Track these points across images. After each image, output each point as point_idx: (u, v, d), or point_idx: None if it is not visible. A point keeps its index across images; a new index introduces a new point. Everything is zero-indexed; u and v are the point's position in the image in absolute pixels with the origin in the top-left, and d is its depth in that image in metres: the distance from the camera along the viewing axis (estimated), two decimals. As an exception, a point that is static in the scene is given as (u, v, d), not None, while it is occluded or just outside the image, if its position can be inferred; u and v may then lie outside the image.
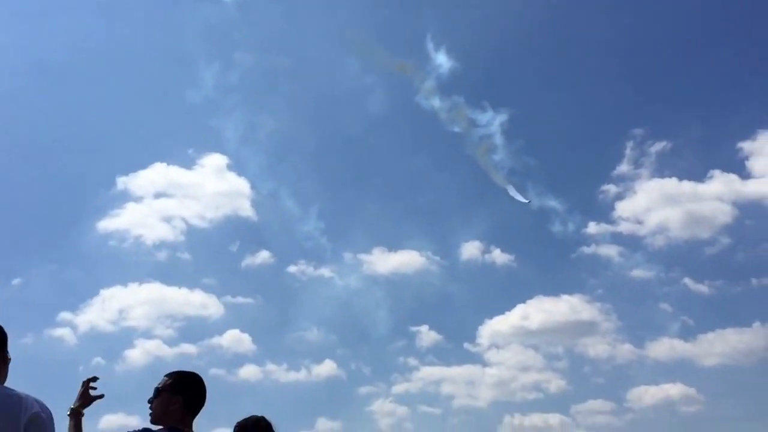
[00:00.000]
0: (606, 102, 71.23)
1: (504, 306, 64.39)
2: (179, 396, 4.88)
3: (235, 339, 58.49)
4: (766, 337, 56.01)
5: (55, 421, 4.57)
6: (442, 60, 49.40)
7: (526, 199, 50.69)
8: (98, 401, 5.25)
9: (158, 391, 4.93)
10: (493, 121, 51.22)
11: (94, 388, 5.32)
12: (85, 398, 5.27)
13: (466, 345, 58.41)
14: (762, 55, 66.47)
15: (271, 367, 58.11)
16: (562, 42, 67.76)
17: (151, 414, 4.91)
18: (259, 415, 5.49)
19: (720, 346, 56.67)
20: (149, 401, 4.92)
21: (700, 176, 60.37)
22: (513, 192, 49.51)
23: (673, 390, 56.09)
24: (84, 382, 5.33)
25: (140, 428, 4.61)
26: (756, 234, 60.28)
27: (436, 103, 49.87)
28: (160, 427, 4.78)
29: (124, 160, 67.71)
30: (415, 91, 52.53)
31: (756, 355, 56.14)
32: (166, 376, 5.02)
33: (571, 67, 70.52)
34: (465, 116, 51.05)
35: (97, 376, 5.30)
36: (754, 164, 57.36)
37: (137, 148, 69.08)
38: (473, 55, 66.09)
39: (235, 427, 5.38)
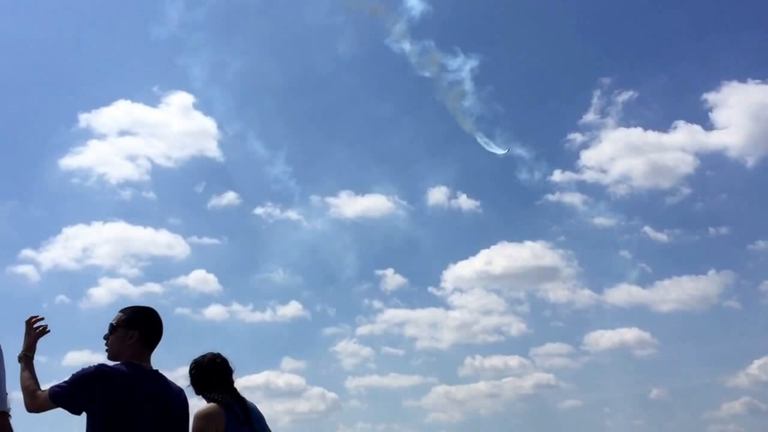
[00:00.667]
0: (575, 50, 71.05)
1: (468, 251, 65.16)
2: (135, 330, 4.84)
3: (201, 279, 58.46)
4: (720, 285, 57.54)
5: (11, 355, 4.60)
6: (414, 3, 48.71)
7: (503, 149, 50.78)
8: (50, 337, 5.12)
9: (113, 327, 4.89)
10: (463, 67, 50.88)
11: (40, 327, 5.12)
12: (31, 338, 5.08)
13: (430, 289, 59.11)
14: (728, 8, 66.73)
15: (236, 307, 58.31)
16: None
17: (107, 350, 4.88)
18: (216, 352, 5.50)
19: (676, 292, 58.12)
20: (105, 338, 4.90)
21: (664, 126, 60.96)
22: (488, 144, 49.50)
23: (629, 334, 57.59)
24: (27, 322, 5.13)
25: (96, 364, 4.59)
26: (716, 185, 61.38)
27: (406, 46, 49.26)
28: (117, 362, 4.76)
29: (86, 97, 66.26)
30: (385, 33, 51.76)
31: (709, 302, 57.73)
32: (120, 311, 4.98)
33: (543, 14, 70.01)
34: (435, 61, 50.63)
35: (41, 316, 5.08)
36: (718, 116, 57.99)
37: (100, 85, 67.47)
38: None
39: (192, 364, 5.38)
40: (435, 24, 57.47)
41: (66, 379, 4.57)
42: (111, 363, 4.73)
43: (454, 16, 66.04)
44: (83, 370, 4.52)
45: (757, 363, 55.10)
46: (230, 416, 5.06)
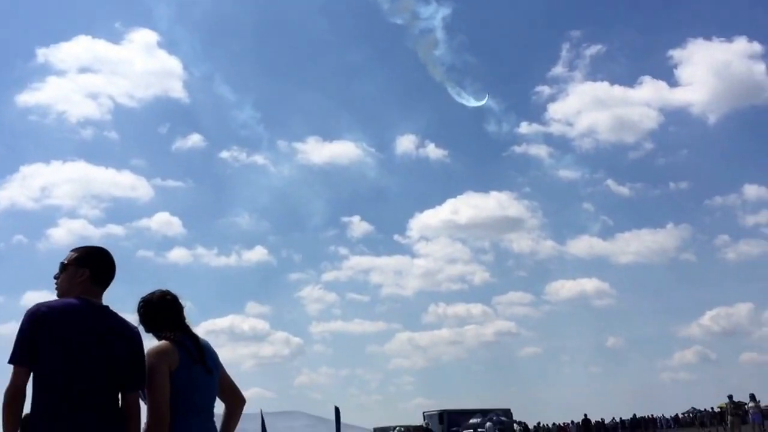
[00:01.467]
0: (546, 2, 70.64)
1: (435, 200, 65.56)
2: (86, 268, 4.78)
3: (165, 222, 58.06)
4: (677, 238, 58.91)
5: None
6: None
7: (479, 101, 50.58)
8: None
9: (64, 266, 4.81)
10: (435, 15, 50.36)
11: None
12: None
13: (396, 236, 59.60)
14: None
15: (200, 251, 58.13)
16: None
17: (57, 289, 4.82)
18: (165, 289, 5.45)
19: (635, 245, 59.47)
20: (55, 277, 4.84)
21: (630, 81, 61.64)
22: (460, 94, 49.15)
23: (589, 285, 58.96)
24: None
25: (46, 301, 4.50)
26: (677, 140, 62.39)
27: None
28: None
29: (44, 31, 64.39)
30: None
31: (667, 255, 59.17)
32: (72, 250, 4.92)
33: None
34: (408, 8, 49.92)
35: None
36: (683, 72, 58.80)
37: (59, 19, 65.45)
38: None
39: (140, 302, 5.32)
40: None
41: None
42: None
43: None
44: (23, 319, 4.41)
45: (709, 314, 57.09)
46: (183, 353, 5.02)
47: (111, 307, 4.77)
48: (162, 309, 5.23)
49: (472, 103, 52.17)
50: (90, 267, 4.76)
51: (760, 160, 64.31)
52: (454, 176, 62.40)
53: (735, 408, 31.08)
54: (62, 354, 4.37)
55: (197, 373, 5.05)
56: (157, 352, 4.94)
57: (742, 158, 64.01)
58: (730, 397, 31.26)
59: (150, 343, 5.07)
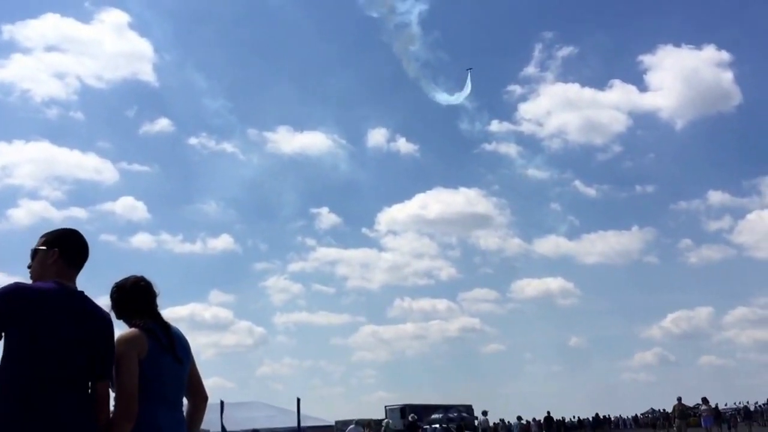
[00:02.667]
0: (521, 2, 71.04)
1: (404, 194, 65.69)
2: (55, 248, 4.71)
3: (129, 206, 57.33)
4: (642, 241, 59.80)
5: None
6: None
7: (457, 99, 50.42)
8: None
9: (35, 252, 4.78)
10: (412, 10, 50.32)
11: None
12: None
13: (363, 229, 59.61)
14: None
15: (165, 237, 57.64)
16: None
17: (31, 277, 4.72)
18: (140, 275, 5.40)
19: (600, 246, 60.22)
20: (28, 267, 4.75)
21: (601, 84, 62.32)
22: (435, 90, 49.03)
23: (554, 284, 59.62)
24: None
25: (13, 282, 4.41)
26: (645, 144, 63.27)
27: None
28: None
29: (10, 7, 62.95)
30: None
31: (631, 257, 60.01)
32: (41, 236, 4.84)
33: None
34: (385, 2, 49.83)
35: None
36: (652, 77, 59.48)
37: (27, -5, 63.94)
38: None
39: (113, 287, 5.26)
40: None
41: None
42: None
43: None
44: None
45: (670, 317, 58.00)
46: (153, 342, 4.99)
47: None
48: (134, 295, 5.16)
49: (446, 99, 52.19)
50: (59, 246, 4.69)
51: (724, 167, 65.68)
52: (423, 171, 62.74)
53: (682, 411, 31.22)
54: (30, 337, 4.28)
55: (167, 363, 5.00)
56: (127, 340, 4.88)
57: (707, 165, 65.34)
58: (679, 399, 31.15)
59: (120, 329, 5.04)
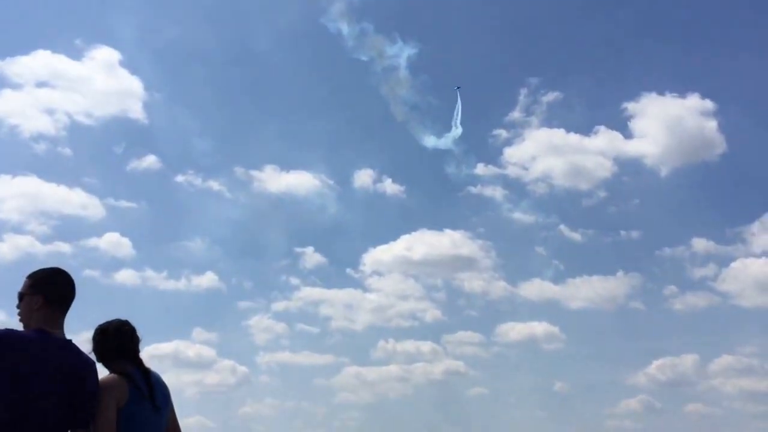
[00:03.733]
0: (508, 48, 72.19)
1: (389, 235, 65.54)
2: (40, 294, 4.69)
3: (114, 242, 56.87)
4: (627, 286, 59.75)
5: None
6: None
7: (446, 144, 50.83)
8: None
9: (21, 296, 4.74)
10: (401, 54, 50.94)
11: None
12: None
13: (348, 270, 59.25)
14: (651, 22, 69.06)
15: (149, 273, 57.04)
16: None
17: (21, 321, 4.72)
18: (124, 319, 5.32)
19: (585, 291, 60.07)
20: (17, 307, 4.73)
21: (585, 130, 62.69)
22: (423, 133, 49.47)
23: (539, 328, 59.24)
24: None
25: (2, 329, 4.40)
26: (630, 190, 63.59)
27: (344, 27, 49.10)
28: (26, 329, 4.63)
29: (1, 43, 63.20)
30: (321, 12, 51.46)
31: (616, 302, 59.94)
32: (27, 277, 4.80)
33: (481, 10, 70.84)
34: (374, 45, 50.46)
35: None
36: (636, 125, 60.04)
37: (17, 32, 64.47)
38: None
39: (97, 329, 5.20)
40: (375, 7, 57.57)
41: None
42: (19, 329, 4.56)
43: (395, 2, 66.20)
44: None
45: (655, 363, 57.65)
46: (132, 389, 4.91)
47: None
48: (117, 339, 5.11)
49: (433, 142, 52.58)
50: (44, 292, 4.66)
51: (709, 215, 65.95)
52: (409, 212, 62.58)
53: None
54: (10, 385, 4.23)
55: (145, 410, 4.94)
56: (106, 386, 4.82)
57: (691, 212, 65.61)
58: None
59: (100, 372, 4.95)
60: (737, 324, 58.97)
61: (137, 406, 4.92)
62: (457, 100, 49.95)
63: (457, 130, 51.60)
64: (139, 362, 5.16)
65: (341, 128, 69.74)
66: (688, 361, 56.56)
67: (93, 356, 4.98)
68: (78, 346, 4.77)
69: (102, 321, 5.23)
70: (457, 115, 49.60)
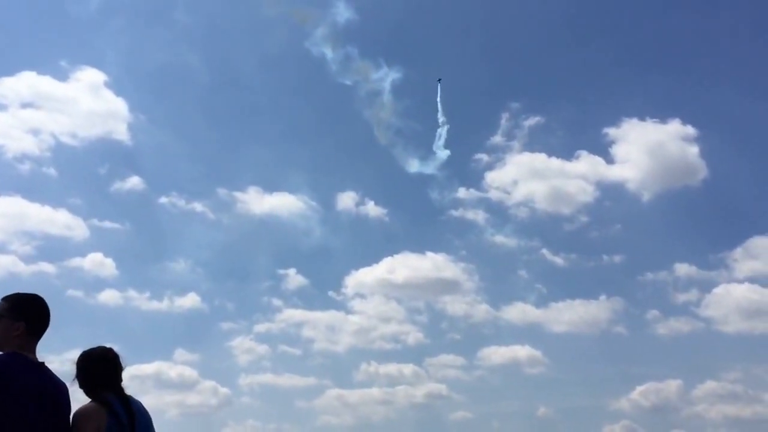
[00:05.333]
0: (490, 73, 72.82)
1: (372, 258, 65.42)
2: (21, 321, 4.70)
3: (98, 263, 56.48)
4: (609, 310, 59.93)
5: None
6: (341, 9, 48.76)
7: (431, 169, 51.14)
8: None
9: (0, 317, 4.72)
10: (385, 78, 51.32)
11: None
12: None
13: (330, 292, 59.10)
14: (631, 48, 70.11)
15: (132, 293, 56.64)
16: (461, 12, 68.63)
17: None
18: (108, 346, 5.29)
19: (568, 315, 60.18)
20: None
21: (567, 155, 63.14)
22: (408, 158, 49.86)
23: (521, 352, 59.21)
24: None
25: None
26: (611, 215, 64.00)
27: (328, 52, 49.45)
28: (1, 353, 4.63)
29: (-13, 64, 63.01)
30: (304, 36, 51.80)
31: (599, 327, 60.06)
32: (3, 299, 4.79)
33: (466, 36, 71.58)
34: (358, 70, 50.82)
35: None
36: (618, 150, 60.61)
37: (2, 53, 64.42)
38: (375, 10, 65.85)
39: (81, 355, 5.17)
40: (360, 32, 57.97)
41: None
42: None
43: (380, 27, 66.75)
44: None
45: (639, 389, 57.66)
46: (111, 417, 4.87)
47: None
48: (101, 367, 5.07)
49: (417, 166, 52.81)
50: (26, 320, 4.68)
51: (690, 240, 66.31)
52: (391, 235, 62.56)
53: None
54: (4, 407, 4.26)
55: None
56: (85, 415, 4.80)
57: (674, 237, 65.99)
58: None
59: (81, 398, 4.93)
60: (720, 350, 59.26)
61: None
62: (437, 93, 50.17)
63: (444, 152, 51.95)
64: (120, 390, 5.13)
65: (324, 151, 69.97)
66: (672, 386, 56.65)
67: (76, 382, 4.97)
68: (51, 368, 4.80)
69: (84, 340, 5.36)
70: (440, 114, 49.91)
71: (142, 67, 67.95)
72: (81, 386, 5.05)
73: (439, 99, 50.58)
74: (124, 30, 64.86)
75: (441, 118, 50.81)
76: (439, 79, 51.26)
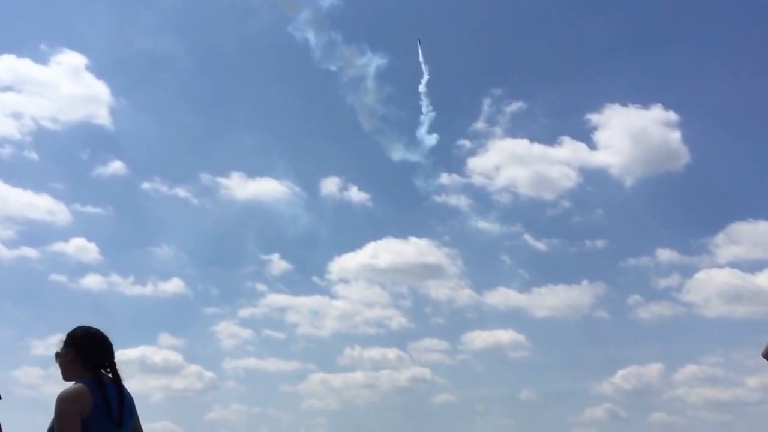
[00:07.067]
0: (472, 58, 72.72)
1: (355, 243, 65.54)
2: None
3: (81, 247, 56.16)
4: (592, 296, 60.36)
5: None
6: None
7: (415, 155, 51.17)
8: None
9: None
10: (369, 64, 51.15)
11: None
12: None
13: (314, 277, 59.12)
14: (613, 34, 70.24)
15: (116, 278, 56.39)
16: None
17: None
18: (89, 326, 5.29)
19: (551, 299, 60.56)
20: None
21: (550, 140, 63.28)
22: (390, 144, 49.92)
23: (505, 336, 59.59)
24: None
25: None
26: (594, 201, 64.28)
27: (311, 37, 49.20)
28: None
29: (-36, 47, 62.08)
30: (296, 22, 51.41)
31: (581, 311, 60.50)
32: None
33: (448, 21, 71.35)
34: (343, 55, 50.61)
35: None
36: (600, 136, 60.82)
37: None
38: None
39: (68, 336, 5.17)
40: (344, 17, 57.59)
41: None
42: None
43: (364, 12, 66.38)
44: None
45: (621, 372, 58.23)
46: (98, 400, 4.88)
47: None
48: (102, 347, 5.13)
49: (401, 152, 52.77)
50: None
51: (673, 225, 66.83)
52: (375, 220, 62.62)
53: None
54: None
55: (106, 423, 4.87)
56: (71, 398, 4.79)
57: (656, 222, 66.48)
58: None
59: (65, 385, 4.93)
60: (701, 334, 59.87)
61: (102, 417, 4.89)
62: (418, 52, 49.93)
63: (430, 137, 51.88)
64: (116, 372, 5.15)
65: (308, 136, 69.80)
66: (653, 370, 57.26)
67: (68, 356, 5.02)
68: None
69: (68, 325, 5.18)
70: (424, 70, 49.74)
71: (123, 51, 67.34)
72: (82, 362, 5.06)
73: (421, 59, 50.27)
74: (106, 13, 64.16)
75: (425, 71, 50.44)
76: (419, 39, 51.01)
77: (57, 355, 5.09)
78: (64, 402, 4.78)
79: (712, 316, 58.18)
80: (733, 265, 57.78)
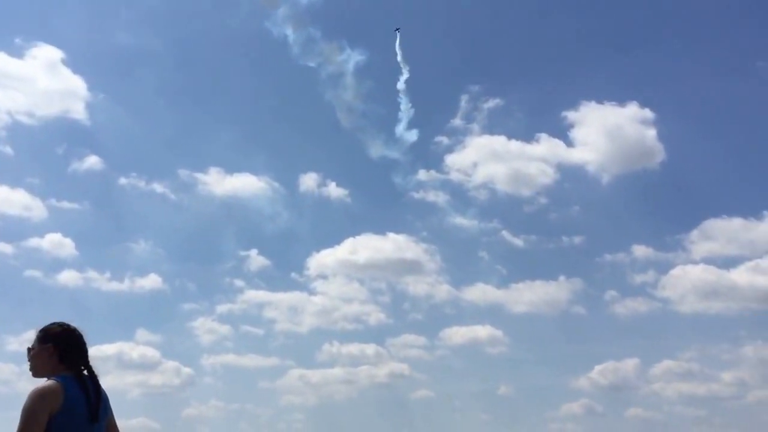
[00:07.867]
0: (449, 55, 72.92)
1: (334, 239, 65.54)
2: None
3: (56, 243, 55.64)
4: (569, 291, 60.89)
5: None
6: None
7: (394, 151, 51.12)
8: None
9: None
10: (349, 60, 51.08)
11: None
12: None
13: (293, 273, 59.05)
14: (589, 32, 70.80)
15: (92, 274, 55.95)
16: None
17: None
18: (65, 322, 5.26)
19: (528, 295, 61.01)
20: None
21: (527, 137, 63.81)
22: (370, 142, 49.82)
23: (482, 332, 59.94)
24: None
25: None
26: (571, 197, 64.91)
27: (289, 32, 49.00)
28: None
29: (-62, 40, 61.18)
30: (273, 18, 51.19)
31: (558, 307, 61.02)
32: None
33: (427, 19, 71.46)
34: (321, 52, 50.47)
35: None
36: (577, 133, 61.36)
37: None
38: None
39: (42, 332, 5.11)
40: (322, 13, 57.38)
41: None
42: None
43: (343, 8, 66.18)
44: None
45: (597, 368, 58.84)
46: (69, 396, 4.84)
47: None
48: (81, 343, 5.12)
49: (377, 147, 52.77)
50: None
51: (648, 222, 67.74)
52: (353, 216, 62.75)
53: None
54: None
55: (80, 420, 4.83)
56: (40, 395, 4.73)
57: (632, 219, 67.19)
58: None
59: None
60: (677, 329, 60.66)
61: (72, 414, 4.83)
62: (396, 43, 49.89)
63: (409, 133, 51.84)
64: (90, 369, 5.12)
65: (286, 132, 69.67)
66: (630, 365, 57.92)
67: (45, 352, 4.98)
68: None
69: (43, 321, 5.17)
70: (403, 68, 49.72)
71: (100, 45, 66.76)
72: (60, 358, 5.03)
73: (399, 58, 50.30)
74: (83, 6, 63.54)
75: (404, 68, 50.39)
76: (397, 29, 51.00)
77: (29, 350, 5.03)
78: (36, 399, 4.71)
79: (688, 311, 59.02)
80: (708, 261, 58.67)
